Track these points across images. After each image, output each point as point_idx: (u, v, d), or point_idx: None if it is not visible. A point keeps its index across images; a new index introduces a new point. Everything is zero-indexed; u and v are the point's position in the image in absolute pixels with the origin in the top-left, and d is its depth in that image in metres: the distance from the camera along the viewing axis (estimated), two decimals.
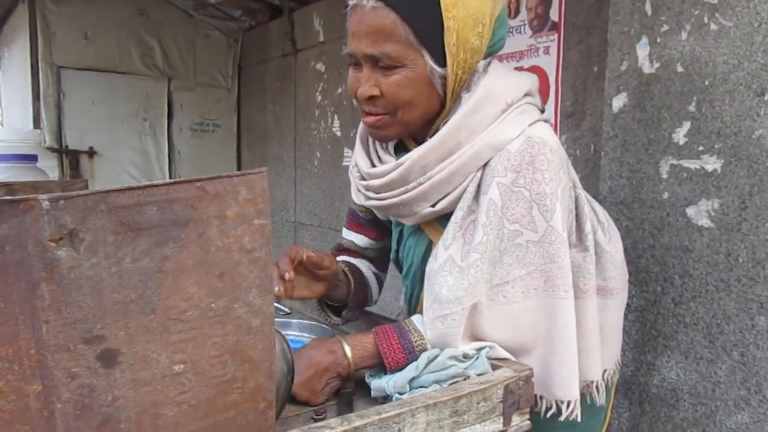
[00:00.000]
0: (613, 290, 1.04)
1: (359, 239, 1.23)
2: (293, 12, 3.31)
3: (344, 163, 2.89)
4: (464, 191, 0.95)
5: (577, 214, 1.00)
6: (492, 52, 0.98)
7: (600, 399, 0.99)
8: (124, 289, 0.56)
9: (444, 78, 0.92)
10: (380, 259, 1.26)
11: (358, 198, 1.09)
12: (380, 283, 1.26)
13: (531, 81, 1.00)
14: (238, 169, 3.99)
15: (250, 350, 0.64)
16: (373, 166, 1.03)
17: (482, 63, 0.97)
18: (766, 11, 1.16)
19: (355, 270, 1.18)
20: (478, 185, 0.94)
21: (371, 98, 0.94)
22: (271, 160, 3.60)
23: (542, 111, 1.01)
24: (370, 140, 1.05)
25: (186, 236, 0.58)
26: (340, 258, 1.21)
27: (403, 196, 0.96)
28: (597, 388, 0.99)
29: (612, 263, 1.03)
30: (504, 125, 0.93)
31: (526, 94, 0.97)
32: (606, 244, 1.03)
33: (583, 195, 1.02)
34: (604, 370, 1.03)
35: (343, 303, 1.15)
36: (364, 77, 0.93)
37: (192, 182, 0.58)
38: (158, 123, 3.66)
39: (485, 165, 0.94)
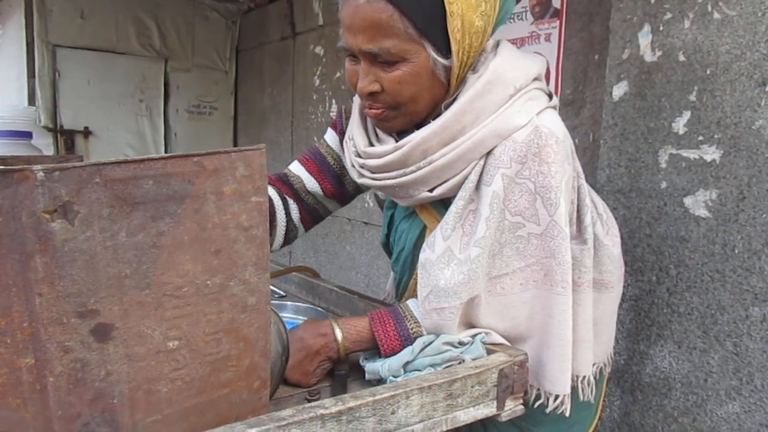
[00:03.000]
0: (608, 284, 1.02)
1: (310, 182, 1.13)
2: None
3: None
4: (465, 179, 0.91)
5: (578, 206, 0.97)
6: (496, 25, 0.93)
7: (586, 394, 0.97)
8: (119, 264, 0.55)
9: (447, 68, 0.88)
10: (313, 213, 1.16)
11: (351, 173, 1.04)
12: (289, 237, 1.15)
13: (540, 64, 0.96)
14: None
15: (245, 328, 0.64)
16: (371, 144, 0.99)
17: (491, 43, 0.94)
18: None
19: (271, 210, 1.07)
20: (480, 174, 0.91)
21: (372, 93, 0.90)
22: (268, 143, 3.58)
23: (550, 95, 0.97)
24: None
25: (182, 212, 0.58)
26: (271, 186, 1.10)
27: (401, 179, 0.93)
28: (586, 383, 0.97)
29: (609, 257, 1.01)
30: (511, 112, 0.89)
31: (535, 79, 0.94)
32: (604, 237, 1.00)
33: (586, 186, 1.00)
34: (594, 364, 1.01)
35: None
36: (362, 72, 0.89)
37: (189, 157, 0.57)
38: (154, 104, 3.63)
39: (489, 153, 0.90)
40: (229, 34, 3.84)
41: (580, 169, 1.00)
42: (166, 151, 3.71)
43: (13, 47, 3.34)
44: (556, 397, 0.91)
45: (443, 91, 0.93)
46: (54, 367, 0.54)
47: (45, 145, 3.12)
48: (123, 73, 3.48)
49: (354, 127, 1.03)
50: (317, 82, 3.12)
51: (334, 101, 3.01)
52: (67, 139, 3.31)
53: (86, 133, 3.39)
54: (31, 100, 3.21)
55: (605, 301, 1.03)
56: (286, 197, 1.14)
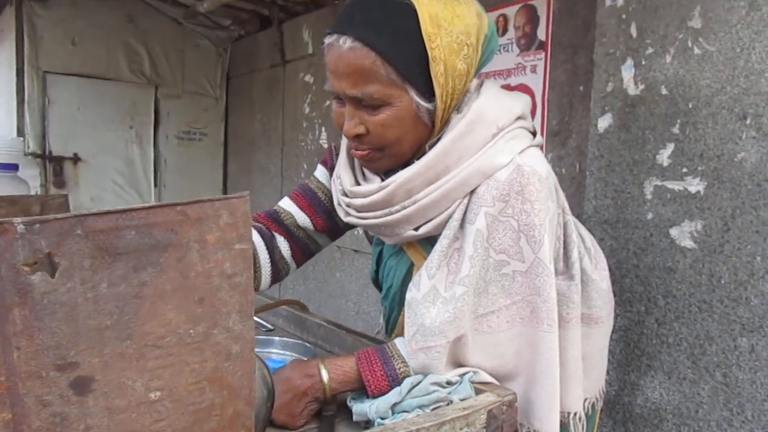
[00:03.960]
0: (597, 319, 1.02)
1: (301, 217, 1.12)
2: (283, 23, 3.31)
3: None
4: (450, 217, 0.92)
5: (564, 242, 0.98)
6: (480, 67, 0.94)
7: (577, 431, 0.97)
8: (100, 315, 0.55)
9: (431, 110, 0.90)
10: (305, 249, 1.16)
11: (339, 211, 1.05)
12: (279, 275, 1.13)
13: (524, 103, 0.97)
14: (224, 178, 3.96)
15: (229, 377, 0.63)
16: (357, 183, 1.00)
17: (475, 83, 0.95)
18: (747, 37, 1.17)
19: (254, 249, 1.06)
20: (464, 212, 0.91)
21: (358, 136, 0.91)
22: (258, 170, 3.58)
23: (534, 134, 0.98)
24: None
25: (165, 261, 0.57)
26: (256, 224, 1.10)
27: (386, 218, 0.94)
28: (577, 419, 0.97)
29: (597, 291, 1.01)
30: (494, 151, 0.90)
31: (519, 118, 0.95)
32: (592, 272, 1.01)
33: (572, 221, 1.00)
34: (585, 399, 1.01)
35: None
36: (348, 114, 0.90)
37: (172, 206, 0.57)
38: (144, 131, 3.63)
39: (472, 192, 0.91)
40: (220, 61, 3.87)
41: (566, 205, 1.01)
42: (155, 178, 3.70)
43: (4, 74, 3.34)
44: None
45: (428, 132, 0.93)
46: (32, 421, 0.53)
47: (32, 175, 3.10)
48: (113, 99, 3.48)
49: (341, 166, 1.04)
50: (307, 109, 3.14)
51: (323, 128, 3.02)
52: (56, 165, 3.30)
53: (75, 159, 3.38)
54: (20, 126, 3.21)
55: (595, 336, 1.03)
56: (275, 234, 1.13)
